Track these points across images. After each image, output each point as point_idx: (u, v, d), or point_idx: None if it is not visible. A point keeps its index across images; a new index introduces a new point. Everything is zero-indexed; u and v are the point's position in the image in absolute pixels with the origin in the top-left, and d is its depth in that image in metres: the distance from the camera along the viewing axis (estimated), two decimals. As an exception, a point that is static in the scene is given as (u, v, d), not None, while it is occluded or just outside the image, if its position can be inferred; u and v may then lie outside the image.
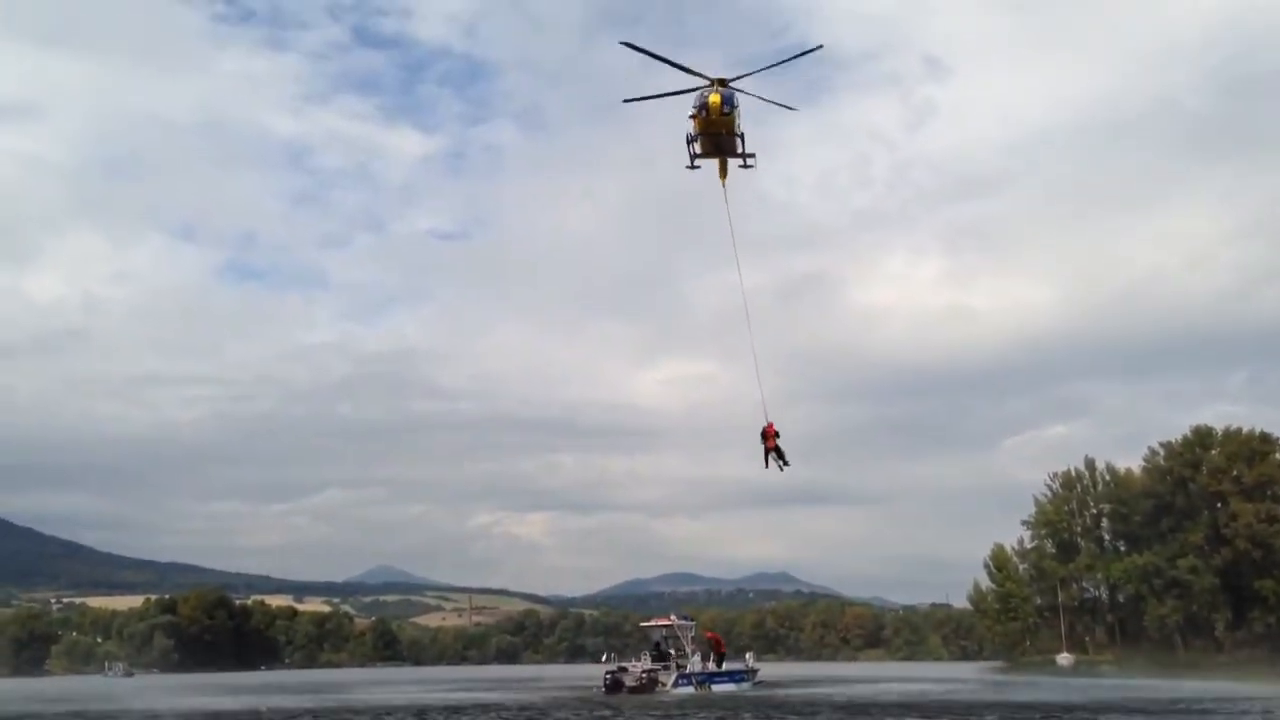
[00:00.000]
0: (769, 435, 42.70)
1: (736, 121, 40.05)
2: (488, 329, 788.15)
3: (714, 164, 44.97)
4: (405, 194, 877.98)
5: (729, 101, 38.88)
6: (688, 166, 42.36)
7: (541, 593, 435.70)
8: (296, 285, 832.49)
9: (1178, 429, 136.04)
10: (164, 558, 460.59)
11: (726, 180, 47.24)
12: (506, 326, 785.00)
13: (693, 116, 39.83)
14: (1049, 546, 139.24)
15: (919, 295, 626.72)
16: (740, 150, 42.62)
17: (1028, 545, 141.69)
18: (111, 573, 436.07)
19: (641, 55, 38.02)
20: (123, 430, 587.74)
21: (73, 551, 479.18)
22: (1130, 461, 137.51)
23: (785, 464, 42.34)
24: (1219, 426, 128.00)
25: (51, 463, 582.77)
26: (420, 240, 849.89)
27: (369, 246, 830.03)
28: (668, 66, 39.40)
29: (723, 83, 39.04)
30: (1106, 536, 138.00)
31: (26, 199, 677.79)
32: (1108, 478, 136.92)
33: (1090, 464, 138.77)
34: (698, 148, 41.42)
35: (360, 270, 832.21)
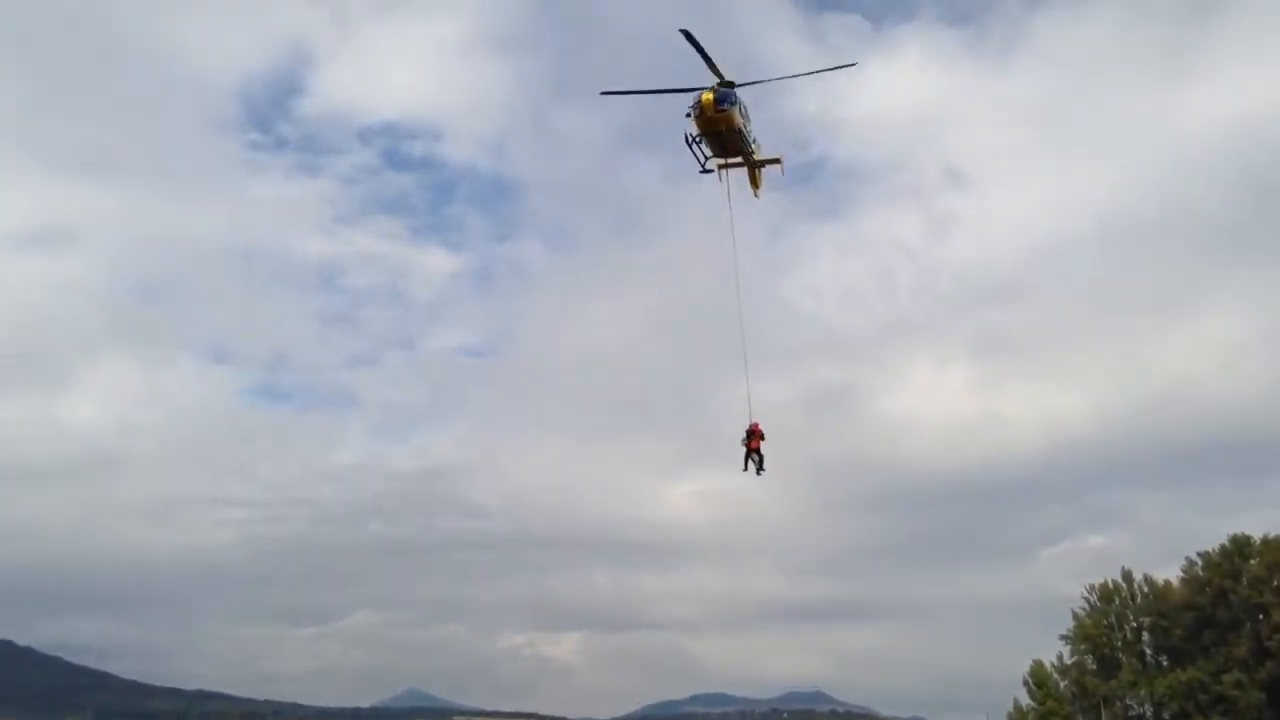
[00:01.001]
0: (755, 434, 41.50)
1: (738, 119, 39.95)
2: (517, 444, 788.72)
3: (738, 187, 44.37)
4: (434, 312, 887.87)
5: (724, 99, 38.77)
6: (700, 171, 42.29)
7: (572, 716, 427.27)
8: (327, 404, 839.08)
9: (1216, 536, 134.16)
10: (191, 685, 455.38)
11: (760, 191, 47.13)
12: (535, 441, 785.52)
13: (689, 116, 39.91)
14: (1090, 662, 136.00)
15: (948, 404, 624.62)
16: (750, 149, 42.58)
17: (1068, 661, 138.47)
18: (139, 701, 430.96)
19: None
20: (153, 554, 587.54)
21: (100, 681, 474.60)
22: (1169, 571, 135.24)
23: (761, 469, 41.07)
24: (1258, 534, 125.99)
25: (81, 588, 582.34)
26: (448, 357, 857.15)
27: (398, 365, 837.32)
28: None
29: (729, 84, 39.09)
30: (1148, 651, 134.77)
31: (61, 325, 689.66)
32: (1146, 590, 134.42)
33: (1128, 576, 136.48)
34: (706, 150, 41.24)
35: (389, 388, 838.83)
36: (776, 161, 46.93)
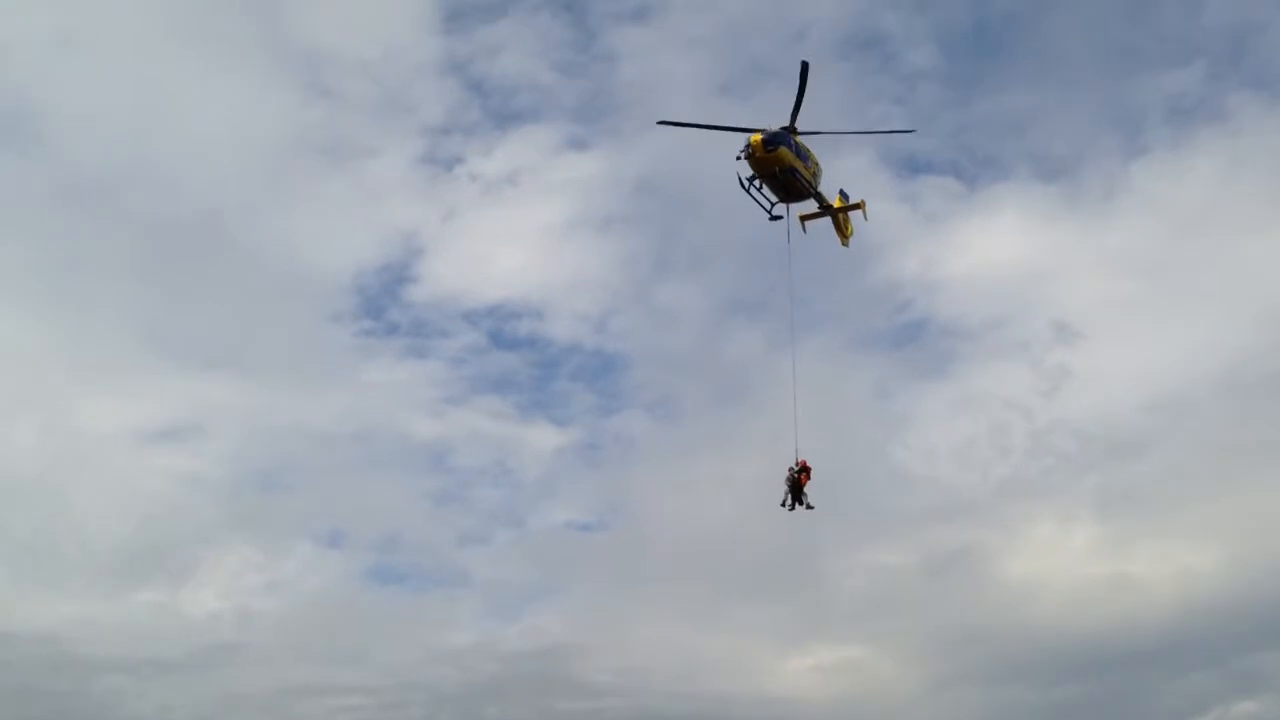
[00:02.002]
0: (806, 470, 39.80)
1: (792, 158, 39.00)
2: (631, 619, 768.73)
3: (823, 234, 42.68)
4: (542, 487, 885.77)
5: (774, 139, 38.44)
6: (769, 217, 41.33)
7: None
8: (440, 585, 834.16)
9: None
10: None
11: (849, 240, 45.86)
12: (649, 616, 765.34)
13: (739, 159, 38.60)
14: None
15: (1075, 565, 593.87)
16: (814, 189, 41.42)
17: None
18: None
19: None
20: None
21: None
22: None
23: (810, 505, 39.68)
24: None
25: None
26: (559, 533, 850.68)
27: (509, 542, 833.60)
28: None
29: (790, 129, 38.53)
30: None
31: (185, 517, 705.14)
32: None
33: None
34: (769, 195, 40.30)
35: (501, 567, 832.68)
36: (858, 207, 46.44)
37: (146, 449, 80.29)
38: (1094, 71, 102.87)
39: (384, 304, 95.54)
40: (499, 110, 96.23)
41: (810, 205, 43.07)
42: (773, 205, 40.48)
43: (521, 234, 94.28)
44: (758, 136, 37.78)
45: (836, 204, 44.02)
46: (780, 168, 38.72)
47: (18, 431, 74.29)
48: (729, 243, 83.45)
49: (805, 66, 36.48)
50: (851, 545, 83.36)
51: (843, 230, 45.47)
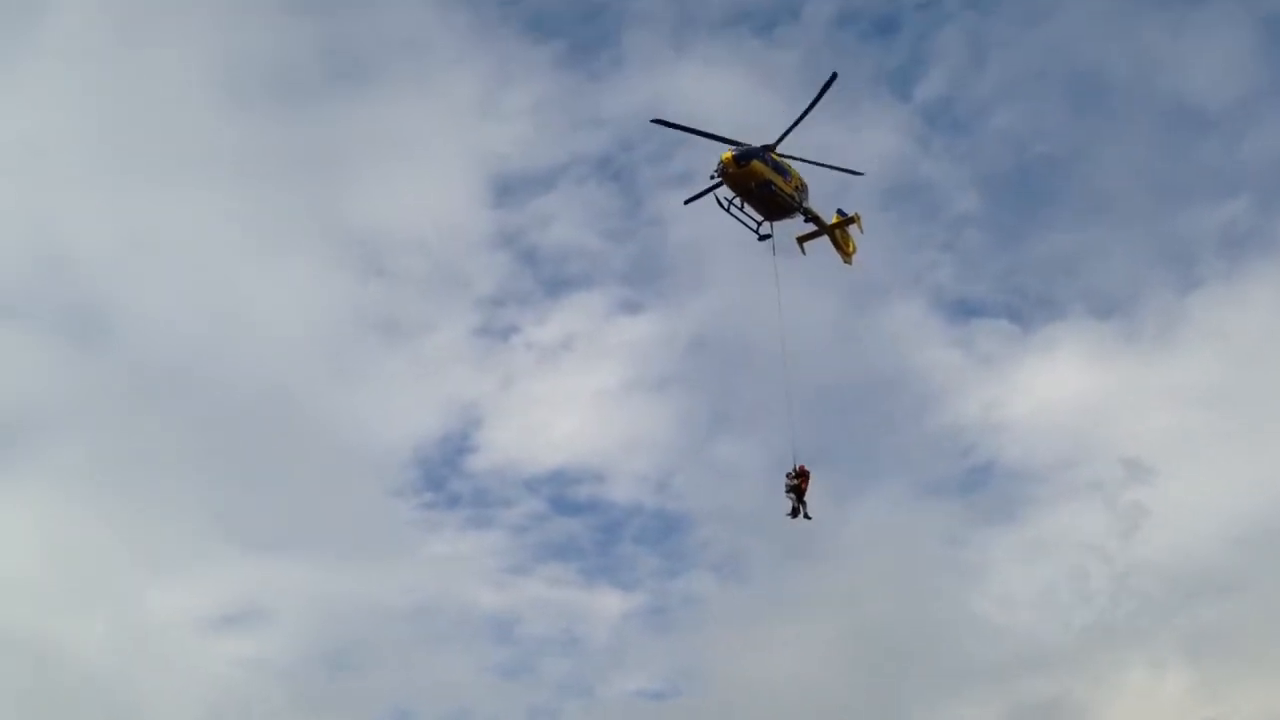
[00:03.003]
0: (804, 475, 39.11)
1: (767, 171, 37.83)
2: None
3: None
4: (611, 655, 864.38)
5: (745, 155, 37.28)
6: (758, 238, 39.87)
7: None
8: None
9: None
10: None
11: (851, 258, 44.77)
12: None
13: (713, 178, 38.05)
14: None
15: (1170, 713, 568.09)
16: (799, 204, 40.19)
17: None
18: None
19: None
20: None
21: None
22: None
23: (808, 515, 38.95)
24: None
25: None
26: (629, 703, 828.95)
27: (579, 714, 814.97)
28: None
29: (772, 150, 38.15)
30: None
31: (252, 702, 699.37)
32: None
33: None
34: (754, 214, 39.35)
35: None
36: (853, 220, 45.72)
37: (213, 636, 79.85)
38: (1140, 207, 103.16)
39: (445, 476, 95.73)
40: (551, 278, 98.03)
41: (802, 226, 42.69)
42: (759, 225, 39.84)
43: (578, 399, 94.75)
44: (729, 153, 37.83)
45: (835, 220, 43.96)
46: (756, 182, 37.70)
47: (87, 625, 74.55)
48: (775, 397, 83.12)
49: (833, 79, 37.04)
50: (933, 701, 79.92)
51: (843, 248, 44.24)
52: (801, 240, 43.09)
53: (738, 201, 38.63)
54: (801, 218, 41.51)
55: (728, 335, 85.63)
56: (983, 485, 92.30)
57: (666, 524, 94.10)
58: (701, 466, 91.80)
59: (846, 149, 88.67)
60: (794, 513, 39.19)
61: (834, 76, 36.80)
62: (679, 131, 37.83)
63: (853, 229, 44.40)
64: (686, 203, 40.47)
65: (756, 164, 37.42)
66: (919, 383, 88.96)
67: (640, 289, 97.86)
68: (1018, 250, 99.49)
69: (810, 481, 39.14)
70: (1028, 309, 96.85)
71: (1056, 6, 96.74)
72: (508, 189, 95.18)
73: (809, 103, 37.52)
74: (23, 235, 76.28)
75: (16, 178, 76.60)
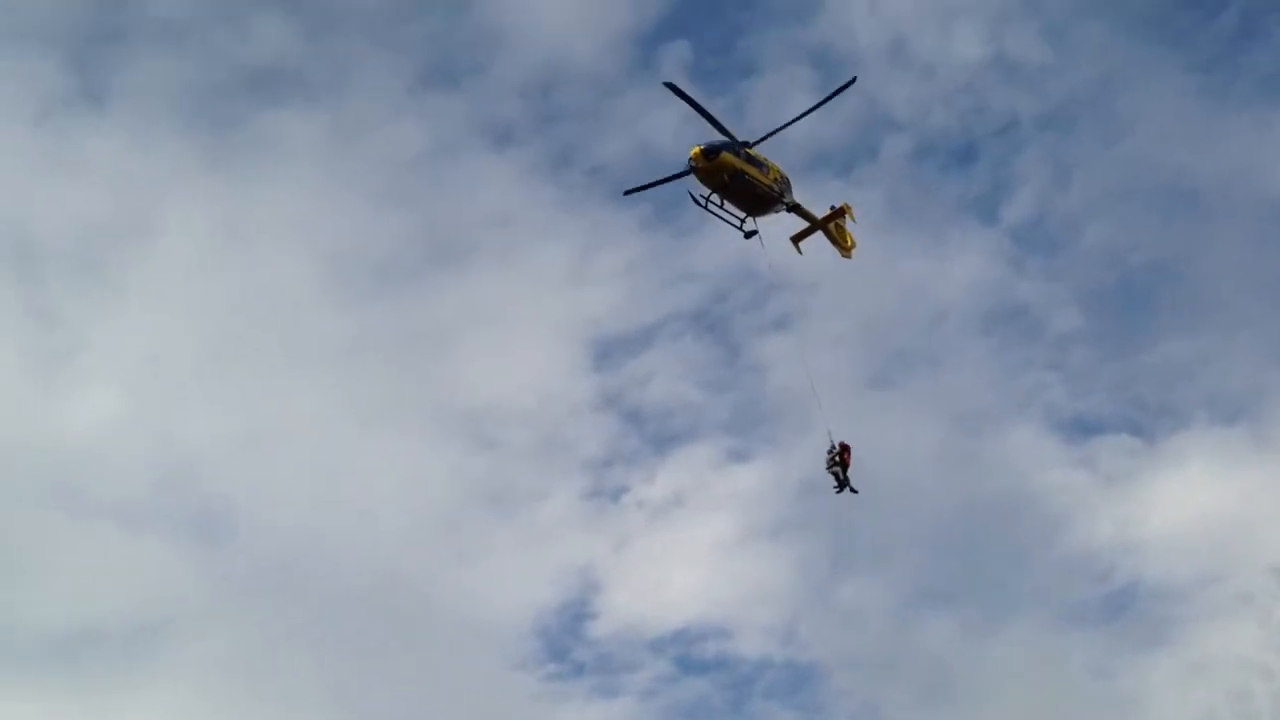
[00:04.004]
0: (846, 450, 39.36)
1: (738, 162, 36.93)
2: None
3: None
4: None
5: (712, 148, 36.32)
6: (744, 235, 38.95)
7: None
8: None
9: None
10: None
11: (851, 251, 43.47)
12: None
13: (692, 171, 37.12)
14: None
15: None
16: (779, 196, 39.08)
17: None
18: None
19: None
20: None
21: None
22: None
23: (854, 489, 39.22)
24: None
25: None
26: None
27: None
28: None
29: (746, 144, 37.43)
30: None
31: None
32: None
33: None
34: (735, 211, 38.36)
35: None
36: (843, 211, 44.14)
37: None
38: (1250, 307, 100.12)
39: (567, 644, 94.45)
40: (656, 435, 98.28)
41: (790, 224, 42.30)
42: (742, 221, 39.04)
43: (695, 554, 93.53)
44: (697, 148, 37.38)
45: (826, 214, 42.86)
46: (728, 174, 36.77)
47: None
48: (905, 532, 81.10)
49: (852, 82, 36.94)
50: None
51: (838, 241, 42.54)
52: (796, 240, 42.37)
53: (715, 199, 37.84)
54: (785, 211, 40.72)
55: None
56: (1125, 610, 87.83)
57: (797, 676, 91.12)
58: (827, 612, 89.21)
59: (938, 279, 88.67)
60: (840, 488, 39.58)
61: (852, 80, 36.92)
62: (690, 105, 36.87)
63: (850, 225, 43.72)
64: (627, 193, 40.29)
65: (726, 155, 36.73)
66: (1043, 507, 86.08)
67: (746, 437, 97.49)
68: (1130, 362, 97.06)
69: (851, 455, 39.66)
70: (1149, 421, 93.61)
71: (1135, 120, 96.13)
72: (606, 351, 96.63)
73: (816, 103, 37.33)
74: (148, 447, 78.55)
75: (138, 391, 78.95)
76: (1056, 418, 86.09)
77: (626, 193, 40.43)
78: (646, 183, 39.26)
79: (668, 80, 36.56)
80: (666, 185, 38.29)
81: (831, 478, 39.69)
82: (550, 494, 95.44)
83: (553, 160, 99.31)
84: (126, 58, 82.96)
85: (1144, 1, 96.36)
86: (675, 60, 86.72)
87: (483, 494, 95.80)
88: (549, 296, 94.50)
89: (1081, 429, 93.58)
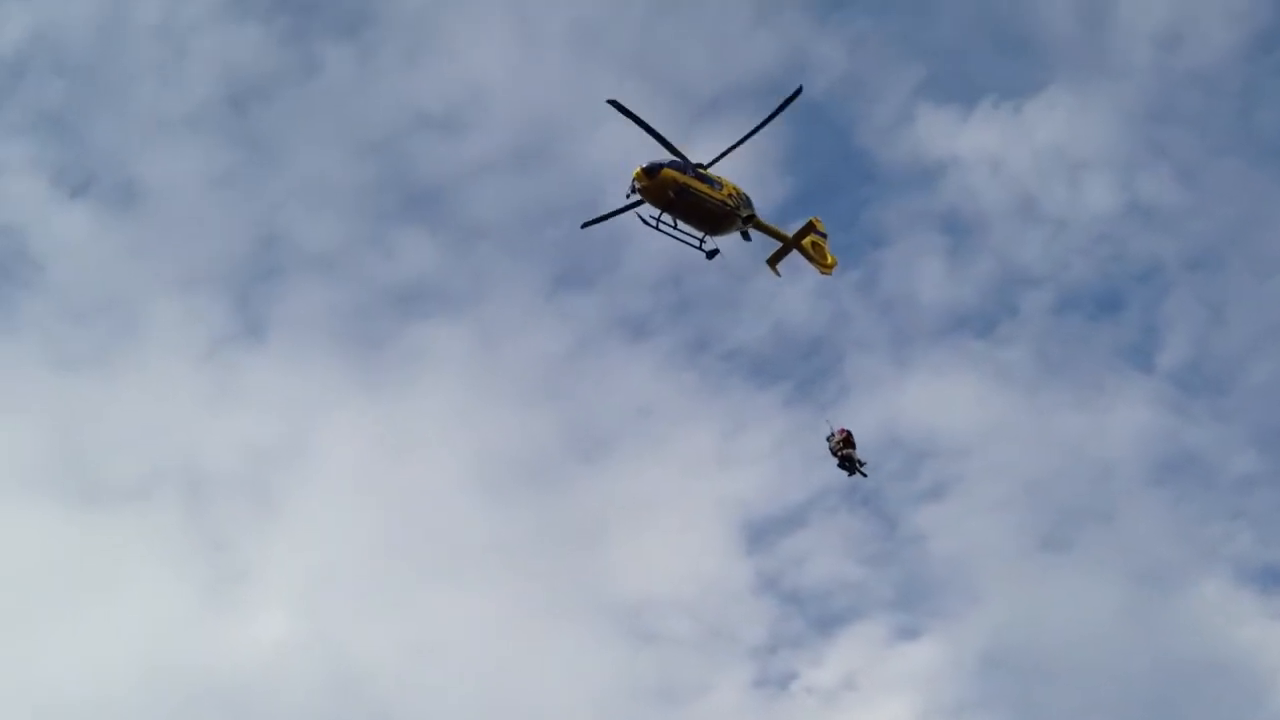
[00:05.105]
0: (847, 437, 39.30)
1: (686, 178, 36.01)
2: None
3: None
4: None
5: (653, 165, 35.43)
6: (706, 255, 38.02)
7: None
8: None
9: None
10: None
11: (831, 269, 41.66)
12: None
13: (637, 193, 36.21)
14: None
15: None
16: (735, 211, 37.86)
17: None
18: None
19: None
20: None
21: None
22: None
23: (864, 473, 39.28)
24: None
25: None
26: None
27: None
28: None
29: (700, 166, 36.73)
30: None
31: None
32: None
33: None
34: (691, 231, 37.50)
35: None
36: (812, 226, 41.07)
37: None
38: None
39: None
40: (820, 616, 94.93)
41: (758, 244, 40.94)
42: (701, 241, 37.91)
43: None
44: (639, 168, 35.45)
45: (802, 236, 41.17)
46: (672, 190, 35.66)
47: None
48: (1093, 702, 76.08)
49: (799, 92, 35.40)
50: None
51: (817, 259, 41.44)
52: (772, 262, 40.65)
53: (668, 219, 36.86)
54: (746, 227, 39.14)
55: (1018, 644, 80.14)
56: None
57: None
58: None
59: (1099, 432, 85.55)
60: (851, 472, 39.52)
61: (799, 90, 35.64)
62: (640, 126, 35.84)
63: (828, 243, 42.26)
64: (585, 225, 39.29)
65: (668, 171, 35.78)
66: (1244, 666, 79.79)
67: (913, 612, 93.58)
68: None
69: (854, 442, 39.61)
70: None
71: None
72: (759, 533, 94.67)
73: (766, 116, 36.22)
74: (318, 663, 79.19)
75: (308, 610, 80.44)
76: (1247, 568, 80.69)
77: (584, 225, 39.62)
78: (601, 215, 38.74)
79: (611, 98, 35.54)
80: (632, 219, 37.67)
81: (844, 471, 39.79)
82: (717, 685, 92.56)
83: (689, 347, 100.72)
84: (283, 291, 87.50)
85: (1275, 134, 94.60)
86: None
87: (649, 690, 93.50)
88: (697, 482, 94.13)
89: (1275, 578, 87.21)
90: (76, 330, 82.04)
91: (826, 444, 39.83)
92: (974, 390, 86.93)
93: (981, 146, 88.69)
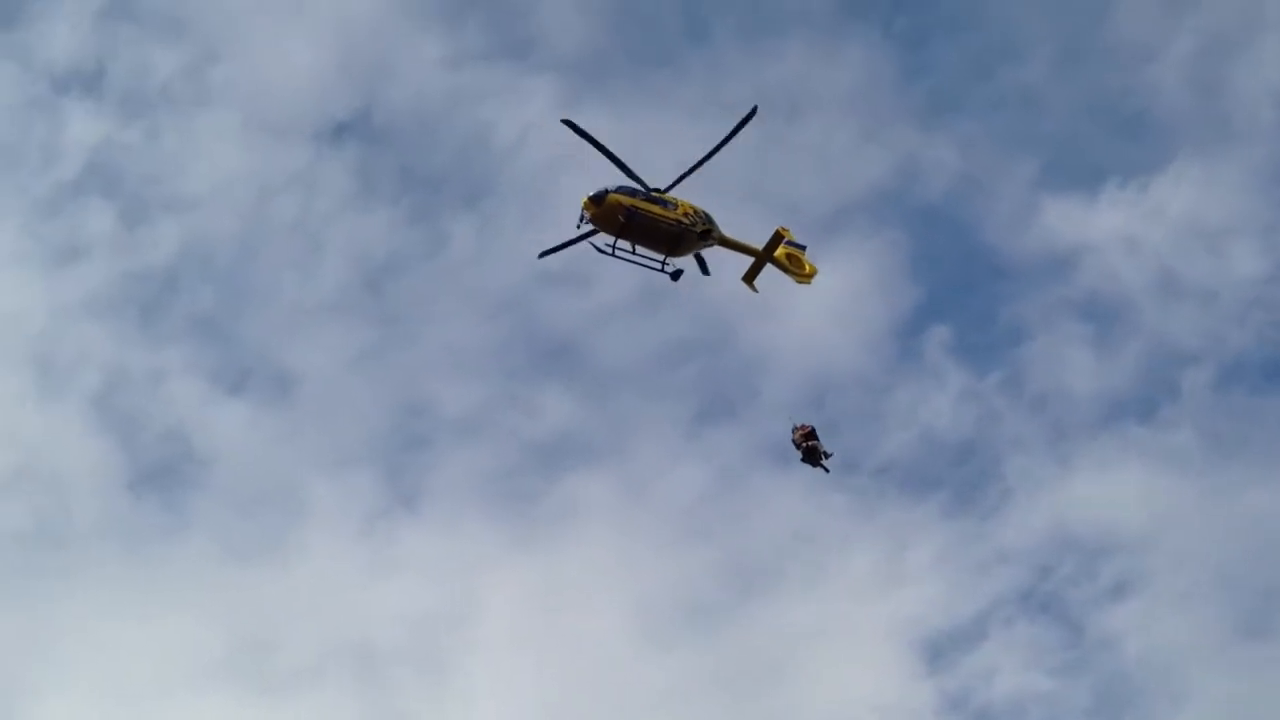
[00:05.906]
0: (810, 433, 39.03)
1: (634, 200, 35.87)
2: None
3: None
4: None
5: (599, 194, 35.22)
6: (671, 276, 37.77)
7: None
8: None
9: None
10: None
11: (810, 278, 40.90)
12: None
13: (588, 222, 36.10)
14: None
15: None
16: (692, 229, 37.30)
17: None
18: None
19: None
20: None
21: None
22: None
23: (826, 468, 39.35)
24: None
25: None
26: None
27: None
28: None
29: (657, 190, 36.62)
30: None
31: None
32: None
33: None
34: (650, 254, 37.21)
35: None
36: (781, 235, 39.70)
37: None
38: None
39: None
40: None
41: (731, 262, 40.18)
42: (663, 264, 37.31)
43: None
44: (585, 198, 35.25)
45: (773, 247, 39.91)
46: (622, 214, 35.34)
47: None
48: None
49: (753, 113, 34.75)
50: None
51: (791, 270, 40.53)
52: (748, 280, 39.84)
53: (625, 245, 36.52)
54: (706, 245, 38.63)
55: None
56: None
57: None
58: None
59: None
60: (814, 464, 39.33)
61: (753, 110, 35.14)
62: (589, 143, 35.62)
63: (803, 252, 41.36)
64: (542, 255, 38.80)
65: (613, 196, 35.44)
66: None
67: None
68: None
69: (816, 436, 39.27)
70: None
71: None
72: (938, 652, 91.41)
73: (720, 141, 35.86)
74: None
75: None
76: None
77: (541, 255, 39.45)
78: (559, 244, 38.61)
79: (565, 118, 35.90)
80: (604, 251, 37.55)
81: (807, 464, 39.57)
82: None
83: (839, 468, 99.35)
84: (432, 460, 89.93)
85: None
86: (937, 344, 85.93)
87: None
88: (865, 604, 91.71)
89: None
90: (243, 522, 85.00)
91: (792, 436, 40.02)
92: (1145, 479, 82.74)
93: (1113, 228, 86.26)
